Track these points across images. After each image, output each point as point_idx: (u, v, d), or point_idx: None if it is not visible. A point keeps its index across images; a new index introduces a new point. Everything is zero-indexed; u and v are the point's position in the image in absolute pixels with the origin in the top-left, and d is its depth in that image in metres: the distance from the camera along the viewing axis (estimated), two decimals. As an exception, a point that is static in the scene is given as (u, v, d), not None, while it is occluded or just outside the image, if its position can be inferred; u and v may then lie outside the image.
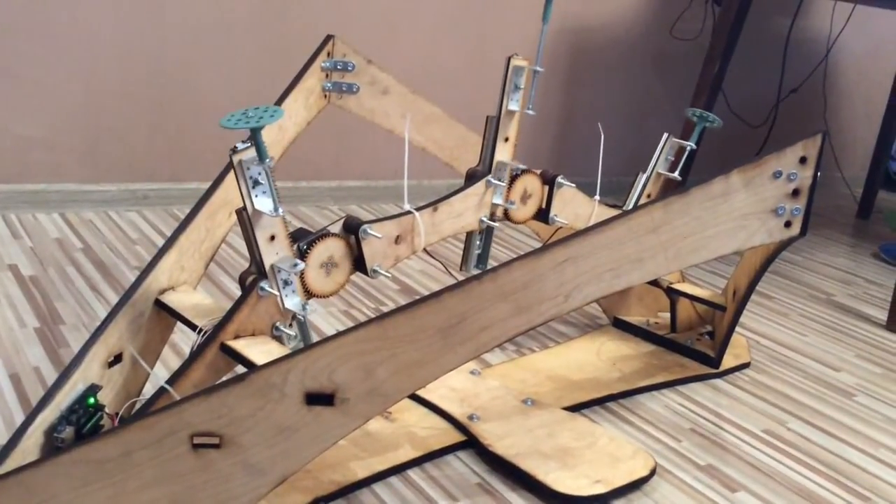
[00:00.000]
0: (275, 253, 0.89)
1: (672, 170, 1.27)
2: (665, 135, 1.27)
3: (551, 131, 2.35)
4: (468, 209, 1.07)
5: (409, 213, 1.01)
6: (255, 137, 0.84)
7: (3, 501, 0.75)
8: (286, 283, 0.90)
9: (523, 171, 1.13)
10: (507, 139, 1.10)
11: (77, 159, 1.72)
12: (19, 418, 1.00)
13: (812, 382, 1.39)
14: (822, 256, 2.11)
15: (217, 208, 1.07)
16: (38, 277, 1.39)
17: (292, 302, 0.91)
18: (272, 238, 0.89)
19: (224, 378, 0.89)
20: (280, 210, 0.87)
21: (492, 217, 1.11)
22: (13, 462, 0.80)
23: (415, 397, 1.13)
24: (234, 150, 0.85)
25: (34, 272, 1.41)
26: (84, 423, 0.85)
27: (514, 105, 1.08)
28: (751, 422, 1.23)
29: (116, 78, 1.70)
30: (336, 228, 0.98)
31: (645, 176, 1.30)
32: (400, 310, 0.79)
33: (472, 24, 2.12)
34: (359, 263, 0.98)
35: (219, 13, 1.77)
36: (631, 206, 1.33)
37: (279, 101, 1.20)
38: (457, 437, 1.07)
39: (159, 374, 1.01)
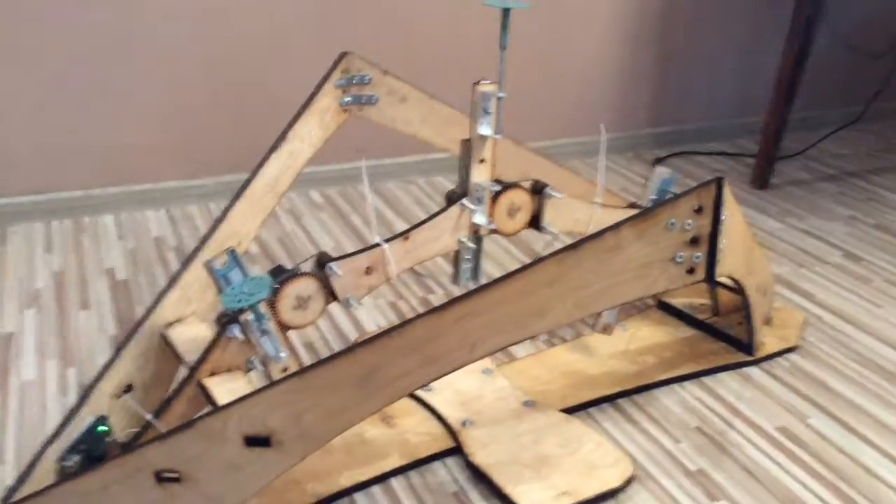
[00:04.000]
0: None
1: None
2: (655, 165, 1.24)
3: (647, 82, 2.28)
4: (444, 232, 1.12)
5: (377, 245, 1.07)
6: (254, 308, 0.96)
7: (15, 525, 0.92)
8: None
9: (507, 187, 1.16)
10: (482, 160, 1.13)
11: (175, 159, 1.90)
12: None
13: (860, 367, 1.33)
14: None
15: (224, 240, 1.18)
16: (129, 282, 1.58)
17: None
18: (284, 370, 0.99)
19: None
20: (282, 354, 0.99)
21: (476, 235, 1.15)
22: (28, 488, 0.97)
23: (419, 400, 1.22)
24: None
25: (127, 276, 1.60)
26: (92, 451, 1.01)
27: (485, 129, 1.11)
28: (767, 418, 1.22)
29: (201, 85, 1.85)
30: (310, 265, 1.06)
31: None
32: (320, 363, 0.88)
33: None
34: (333, 295, 1.07)
35: (285, 20, 1.87)
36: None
37: (292, 124, 1.29)
38: (446, 443, 1.14)
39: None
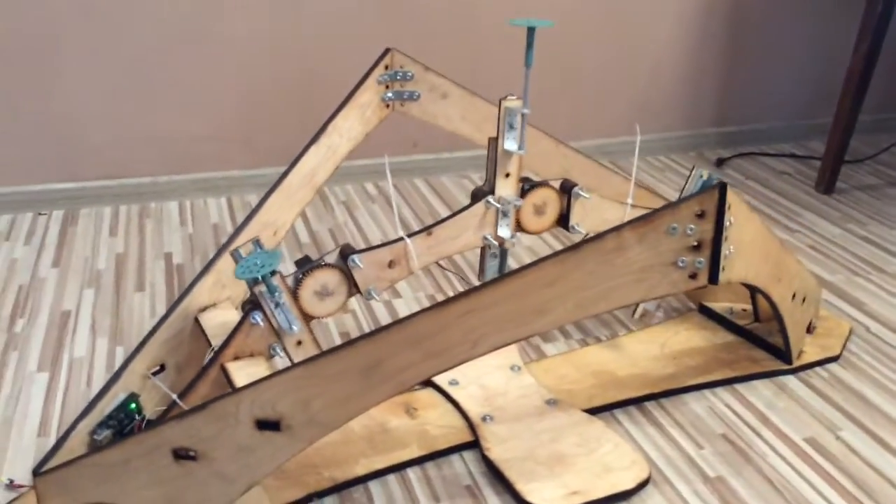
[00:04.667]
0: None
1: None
2: (693, 167, 1.22)
3: (714, 79, 2.24)
4: (468, 229, 1.14)
5: (400, 239, 1.10)
6: (265, 279, 0.99)
7: (44, 492, 0.98)
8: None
9: (534, 185, 1.16)
10: (507, 175, 1.14)
11: (238, 149, 1.96)
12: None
13: (903, 381, 1.29)
14: None
15: (260, 229, 1.23)
16: (184, 266, 1.65)
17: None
18: (298, 343, 1.03)
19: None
20: (295, 327, 1.02)
21: (501, 248, 1.17)
22: (59, 458, 1.02)
23: (444, 393, 1.24)
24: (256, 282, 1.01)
25: (183, 260, 1.67)
26: (122, 427, 1.06)
27: (510, 144, 1.12)
28: (797, 428, 1.19)
29: (267, 77, 1.91)
30: (334, 257, 1.09)
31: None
32: (326, 353, 0.90)
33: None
34: (356, 287, 1.09)
35: (353, 14, 1.90)
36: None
37: (332, 118, 1.32)
38: (465, 437, 1.16)
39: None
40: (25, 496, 1.07)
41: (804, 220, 1.86)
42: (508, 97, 1.11)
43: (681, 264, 0.88)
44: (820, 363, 1.34)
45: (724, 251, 0.89)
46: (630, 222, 0.86)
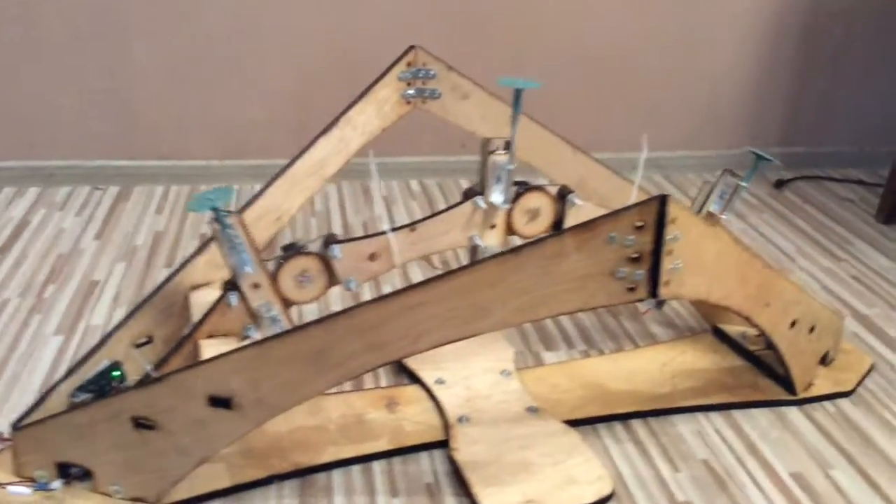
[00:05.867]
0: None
1: (724, 209, 1.18)
2: (722, 170, 1.18)
3: (783, 96, 2.16)
4: (454, 227, 1.14)
5: (383, 233, 1.11)
6: (217, 213, 1.00)
7: (22, 446, 1.03)
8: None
9: (528, 189, 1.15)
10: (493, 226, 1.14)
11: (289, 138, 2.00)
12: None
13: (915, 424, 1.22)
14: None
15: (262, 214, 1.26)
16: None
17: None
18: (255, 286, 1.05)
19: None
20: (248, 268, 1.02)
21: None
22: (38, 416, 1.08)
23: (428, 391, 1.24)
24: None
25: (216, 241, 1.72)
26: (101, 392, 1.11)
27: (496, 198, 1.13)
28: (786, 462, 1.14)
29: (319, 67, 1.95)
30: (318, 245, 1.11)
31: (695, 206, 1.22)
32: (277, 336, 0.92)
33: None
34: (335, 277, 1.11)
35: (406, 9, 1.92)
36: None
37: (346, 110, 1.34)
38: (437, 436, 1.16)
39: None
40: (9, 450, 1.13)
41: (854, 248, 1.77)
42: (497, 151, 1.11)
43: (619, 275, 0.85)
44: (829, 397, 1.28)
45: (668, 265, 0.86)
46: (570, 229, 0.84)
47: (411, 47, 1.38)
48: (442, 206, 1.88)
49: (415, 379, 1.27)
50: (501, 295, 0.85)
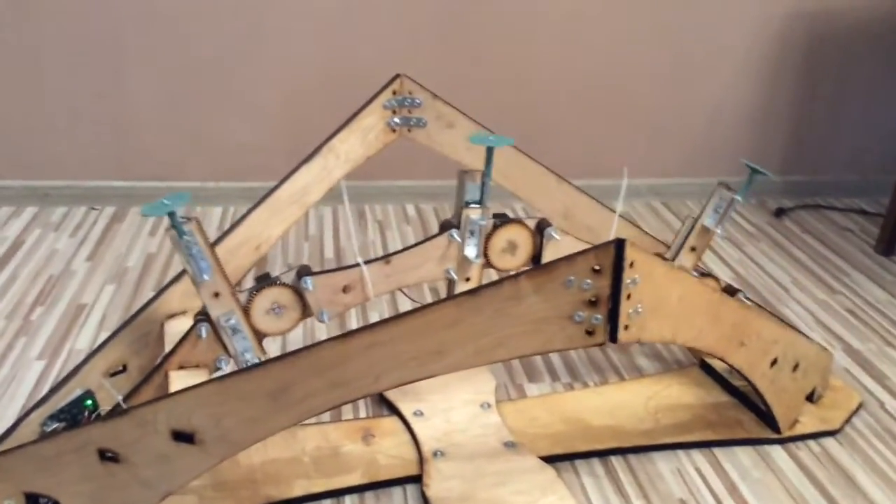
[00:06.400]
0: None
1: (719, 223, 1.17)
2: (717, 184, 1.17)
3: (784, 124, 2.14)
4: (429, 261, 1.13)
5: (356, 265, 1.10)
6: (172, 218, 0.98)
7: (-11, 475, 1.02)
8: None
9: (505, 222, 1.14)
10: (468, 279, 1.13)
11: (283, 161, 2.00)
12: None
13: (901, 466, 1.20)
14: None
15: (242, 242, 1.25)
16: (206, 270, 1.69)
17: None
18: (216, 295, 1.04)
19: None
20: (206, 276, 1.01)
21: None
22: (10, 444, 1.07)
23: (406, 423, 1.22)
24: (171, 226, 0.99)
25: (207, 265, 1.72)
26: (73, 422, 1.10)
27: (469, 251, 1.13)
28: (764, 502, 1.12)
29: (314, 91, 1.95)
30: (291, 276, 1.10)
31: (686, 227, 1.21)
32: (237, 372, 0.91)
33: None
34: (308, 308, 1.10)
35: (403, 34, 1.92)
36: (671, 256, 1.25)
37: (329, 139, 1.34)
38: (412, 470, 1.15)
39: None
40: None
41: (851, 280, 1.75)
42: (471, 205, 1.11)
43: (577, 319, 0.84)
44: (815, 435, 1.25)
45: (627, 309, 0.85)
46: (527, 271, 0.83)
47: (397, 76, 1.37)
48: (434, 231, 1.88)
49: (394, 410, 1.26)
50: (459, 337, 0.84)
